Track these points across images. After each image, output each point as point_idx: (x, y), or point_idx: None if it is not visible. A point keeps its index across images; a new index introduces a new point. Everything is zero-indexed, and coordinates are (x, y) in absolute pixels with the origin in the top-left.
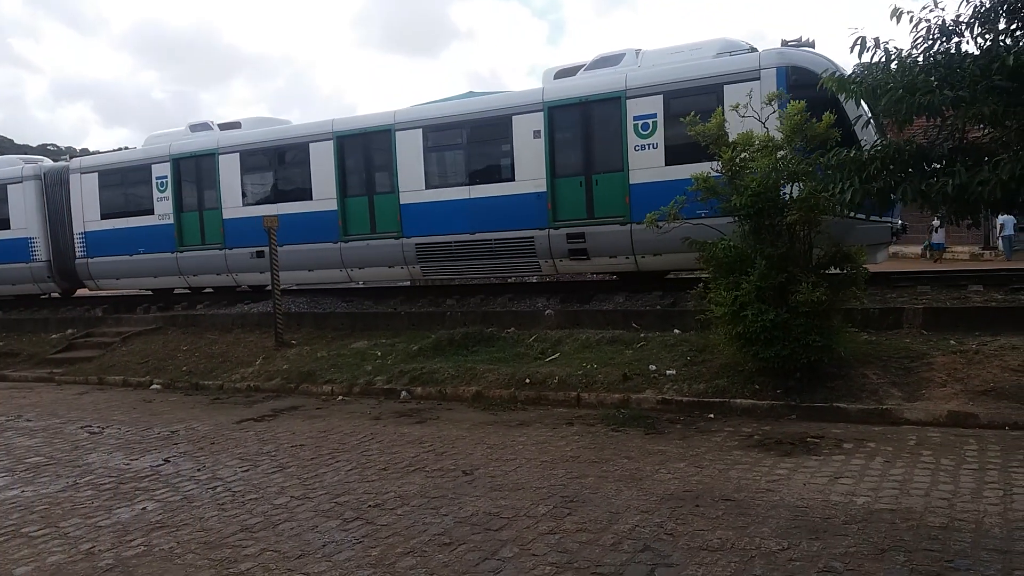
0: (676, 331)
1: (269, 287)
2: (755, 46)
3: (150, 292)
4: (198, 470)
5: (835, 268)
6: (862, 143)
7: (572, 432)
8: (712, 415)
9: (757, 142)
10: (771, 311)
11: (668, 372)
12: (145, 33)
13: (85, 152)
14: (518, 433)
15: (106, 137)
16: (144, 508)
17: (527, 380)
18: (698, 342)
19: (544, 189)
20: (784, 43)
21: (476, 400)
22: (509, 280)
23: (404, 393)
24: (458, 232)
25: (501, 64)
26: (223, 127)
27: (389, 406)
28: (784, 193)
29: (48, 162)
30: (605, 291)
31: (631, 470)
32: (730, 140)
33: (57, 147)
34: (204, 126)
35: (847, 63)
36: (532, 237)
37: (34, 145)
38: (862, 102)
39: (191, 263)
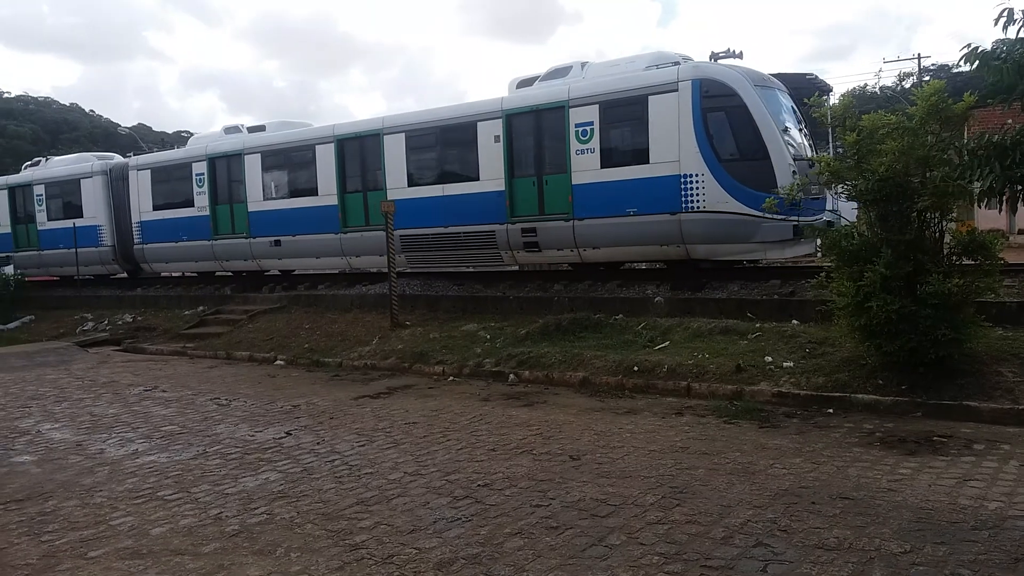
0: (794, 322)
1: (280, 272)
2: (688, 56)
3: (195, 274)
4: (318, 443)
5: (968, 259)
6: (767, 146)
7: (682, 422)
8: (831, 410)
9: (886, 126)
10: (897, 302)
11: (785, 364)
12: (266, 24)
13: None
14: (626, 421)
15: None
16: (267, 478)
17: (635, 368)
18: (817, 334)
19: (503, 188)
20: (713, 55)
21: (583, 386)
22: (628, 267)
23: (512, 376)
24: (434, 226)
25: (609, 46)
26: (250, 130)
27: (497, 388)
28: (913, 179)
29: (118, 158)
30: (719, 279)
31: (743, 464)
32: (857, 122)
33: (190, 133)
34: (235, 129)
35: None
36: (493, 231)
37: (170, 132)
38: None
39: (223, 250)
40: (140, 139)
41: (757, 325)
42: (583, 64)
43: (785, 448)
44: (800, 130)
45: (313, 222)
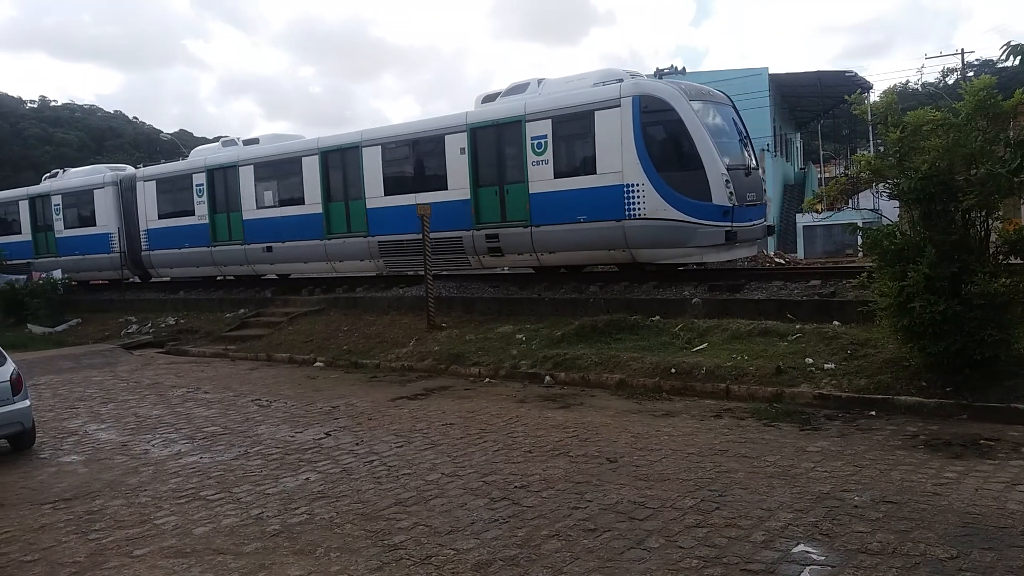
0: (835, 323)
1: (274, 276)
2: (638, 72)
3: (197, 277)
4: (357, 444)
5: (1016, 257)
6: (701, 157)
7: (721, 425)
8: (873, 412)
9: (931, 122)
10: (941, 303)
11: (826, 366)
12: (301, 30)
13: (255, 142)
14: (663, 423)
15: (270, 129)
16: (307, 478)
17: (673, 370)
18: (859, 335)
19: (468, 197)
20: (658, 71)
21: (620, 388)
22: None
23: (548, 378)
24: (409, 232)
25: (642, 46)
26: (246, 143)
27: (533, 390)
28: (958, 176)
29: (130, 169)
30: (757, 279)
31: (784, 467)
32: (900, 119)
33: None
34: (232, 142)
35: None
36: (461, 237)
37: (210, 137)
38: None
39: (221, 256)
40: (182, 145)
41: (797, 326)
42: (540, 80)
43: (827, 451)
44: (742, 140)
45: (300, 229)
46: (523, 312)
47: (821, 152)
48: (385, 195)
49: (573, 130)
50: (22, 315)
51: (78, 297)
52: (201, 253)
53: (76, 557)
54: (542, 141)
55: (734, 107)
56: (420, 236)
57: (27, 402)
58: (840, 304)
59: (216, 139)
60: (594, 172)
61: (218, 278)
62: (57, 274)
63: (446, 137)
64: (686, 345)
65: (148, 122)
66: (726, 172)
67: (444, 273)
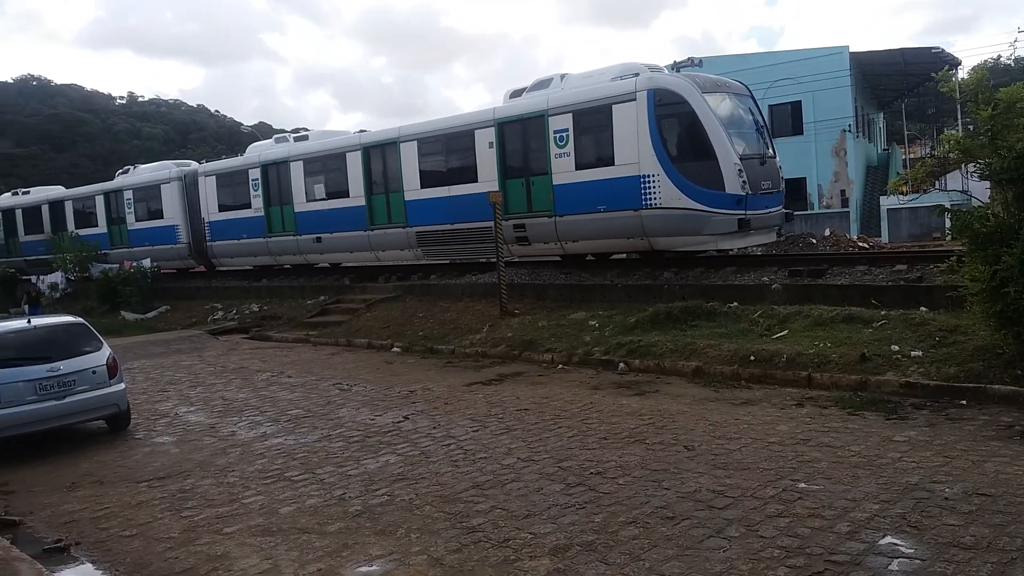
0: (922, 309)
1: (324, 264)
2: (657, 66)
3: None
4: (434, 428)
5: None
6: (714, 147)
7: (802, 414)
8: (964, 402)
9: None
10: None
11: (913, 354)
12: (373, 21)
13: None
14: (742, 412)
15: (345, 120)
16: (387, 461)
17: (752, 357)
18: (948, 322)
19: (497, 188)
20: (675, 64)
21: (696, 375)
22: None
23: (621, 365)
24: (443, 222)
25: (715, 27)
26: (296, 139)
27: (607, 377)
28: None
29: (194, 165)
30: (840, 264)
31: (869, 457)
32: (993, 96)
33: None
34: (284, 138)
35: None
36: (490, 227)
37: (288, 129)
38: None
39: (276, 246)
40: (261, 137)
41: (882, 312)
42: (563, 76)
43: (914, 441)
44: (758, 129)
45: (346, 221)
46: (595, 298)
47: (906, 132)
48: (421, 188)
49: (592, 123)
50: (116, 302)
51: (166, 285)
52: (258, 244)
53: (170, 533)
54: (564, 134)
55: (752, 97)
56: (454, 226)
57: (122, 385)
58: (927, 289)
59: (293, 131)
60: (612, 164)
61: (274, 267)
62: (147, 263)
63: (476, 132)
64: (765, 332)
65: (229, 115)
66: (739, 162)
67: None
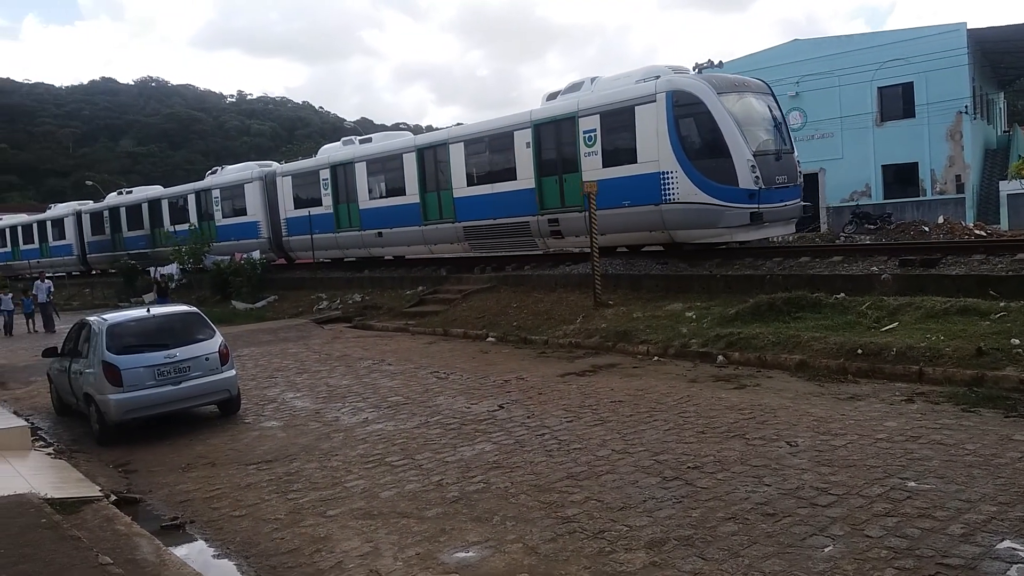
0: None
1: (388, 257)
2: (683, 68)
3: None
4: (528, 417)
5: None
6: (728, 146)
7: (912, 410)
8: None
9: None
10: None
11: None
12: (469, 15)
13: (429, 128)
14: (848, 407)
15: (441, 114)
16: (483, 448)
17: (859, 351)
18: None
19: (533, 186)
20: (696, 67)
21: (799, 369)
22: (840, 242)
23: (720, 357)
24: (487, 218)
25: (819, 8)
26: (361, 141)
27: (704, 369)
28: None
29: (275, 165)
30: (955, 253)
31: (985, 456)
32: None
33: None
34: (351, 140)
35: None
36: (528, 221)
37: (388, 124)
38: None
39: (344, 240)
40: (364, 132)
41: (1001, 304)
42: (592, 79)
43: None
44: (776, 126)
45: (403, 217)
46: (693, 289)
47: None
48: (468, 185)
49: (617, 124)
50: (227, 292)
51: (274, 275)
52: (328, 238)
53: (277, 515)
54: (592, 134)
55: (772, 94)
56: (496, 221)
57: (233, 371)
58: None
59: (394, 126)
60: (635, 161)
61: (344, 259)
62: (256, 255)
63: (515, 133)
64: (874, 324)
65: (332, 111)
66: (752, 158)
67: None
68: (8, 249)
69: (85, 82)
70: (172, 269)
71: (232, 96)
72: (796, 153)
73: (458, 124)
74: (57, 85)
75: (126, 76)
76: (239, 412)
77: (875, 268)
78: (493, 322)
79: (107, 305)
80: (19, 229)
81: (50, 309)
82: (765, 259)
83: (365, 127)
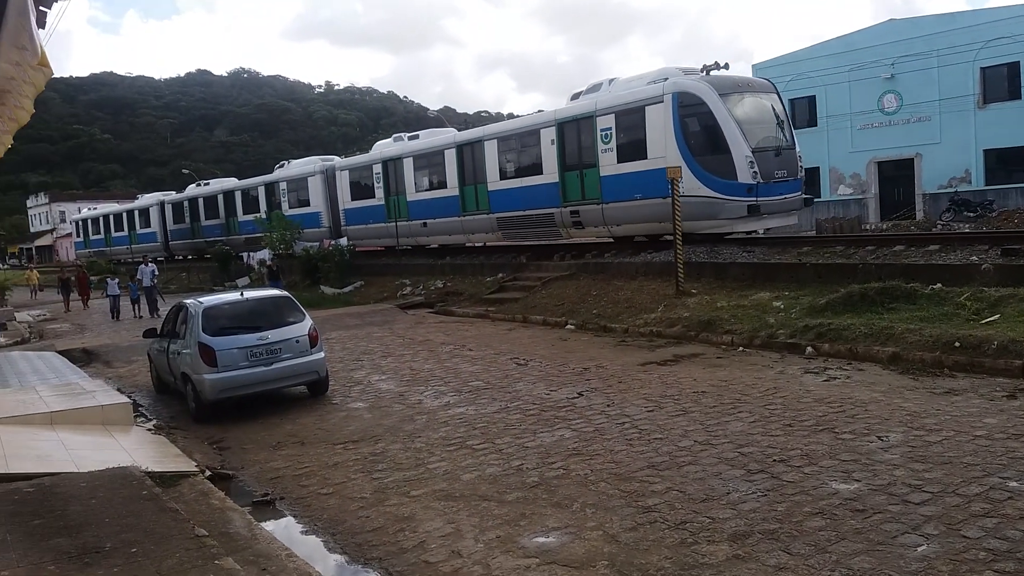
0: None
1: (431, 246)
2: (693, 69)
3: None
4: (608, 406)
5: None
6: (728, 143)
7: (1015, 406)
8: None
9: None
10: None
11: None
12: (548, 1)
13: (510, 116)
14: (944, 402)
15: (522, 101)
16: (562, 435)
17: (956, 343)
18: None
19: (557, 180)
20: (704, 68)
21: (892, 362)
22: (938, 233)
23: (809, 349)
24: (517, 209)
25: None
26: (410, 138)
27: (792, 361)
28: None
29: (337, 160)
30: None
31: None
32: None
33: (488, 113)
34: (400, 138)
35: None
36: (553, 213)
37: (470, 113)
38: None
39: (394, 230)
40: (447, 121)
41: None
42: (611, 80)
43: None
44: (778, 123)
45: (445, 208)
46: (781, 278)
47: None
48: (500, 179)
49: (630, 122)
50: (316, 277)
51: (361, 261)
52: (380, 228)
53: (363, 493)
54: (608, 132)
55: (777, 93)
56: (524, 212)
57: (322, 354)
58: None
59: (475, 115)
60: (646, 157)
61: (397, 248)
62: (343, 241)
63: (541, 131)
64: (973, 316)
65: (416, 101)
66: (751, 154)
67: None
68: (101, 236)
69: (182, 74)
70: (265, 255)
71: (320, 86)
72: (798, 149)
73: (532, 111)
74: (156, 77)
75: (220, 68)
76: (327, 393)
77: (975, 257)
78: (572, 309)
79: (202, 289)
80: (111, 218)
81: (154, 292)
82: (857, 247)
83: (448, 116)
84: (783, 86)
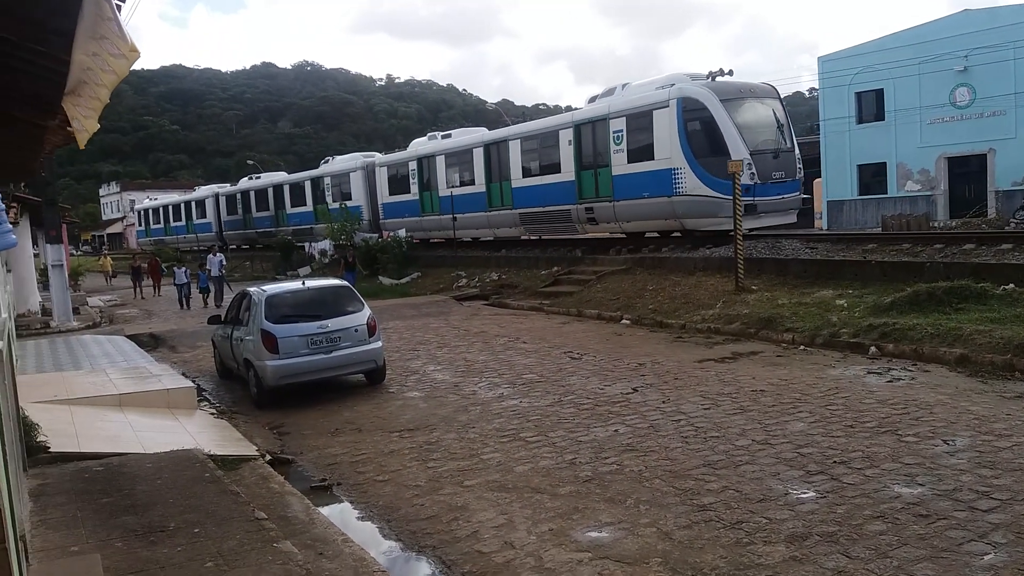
0: None
1: (466, 239)
2: (699, 75)
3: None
4: (663, 402)
5: None
6: (727, 146)
7: None
8: None
9: None
10: None
11: None
12: None
13: (568, 109)
14: (1015, 406)
15: (580, 93)
16: (616, 430)
17: None
18: None
19: (573, 178)
20: (710, 74)
21: (960, 364)
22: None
23: (872, 349)
24: (537, 205)
25: None
26: (443, 137)
27: (855, 360)
28: None
29: (378, 156)
30: None
31: None
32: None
33: (547, 106)
34: (434, 136)
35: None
36: (569, 209)
37: (528, 105)
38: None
39: (428, 224)
40: (505, 114)
41: None
42: (624, 85)
43: None
44: (779, 127)
45: (473, 203)
46: (845, 276)
47: None
48: (523, 177)
49: (638, 126)
50: (374, 268)
51: (418, 253)
52: (415, 221)
53: (417, 481)
54: (620, 134)
55: (777, 98)
56: (543, 209)
57: (379, 343)
58: None
59: (533, 107)
60: (653, 158)
61: (429, 240)
62: (402, 233)
63: (559, 132)
64: None
65: (475, 94)
66: (749, 157)
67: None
68: (161, 226)
69: (247, 67)
70: (325, 245)
71: (381, 80)
72: (797, 151)
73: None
74: (223, 70)
75: (284, 61)
76: (384, 382)
77: None
78: (628, 304)
79: (265, 277)
80: (170, 208)
81: (223, 282)
82: (925, 245)
83: (506, 109)
84: (849, 79)
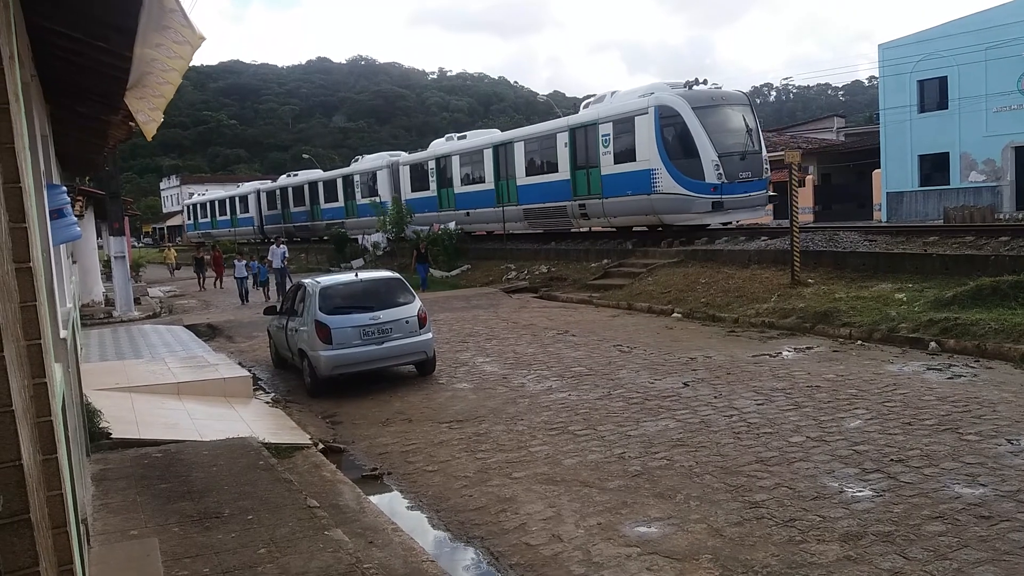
0: None
1: (481, 232)
2: (679, 84)
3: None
4: (715, 397)
5: None
6: (698, 149)
7: None
8: None
9: None
10: None
11: None
12: None
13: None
14: None
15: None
16: (666, 425)
17: None
18: None
19: (568, 177)
20: (687, 83)
21: None
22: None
23: (933, 344)
24: (538, 202)
25: None
26: (459, 138)
27: (914, 356)
28: None
29: (401, 156)
30: None
31: None
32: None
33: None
34: (451, 137)
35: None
36: (565, 206)
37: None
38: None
39: (444, 219)
40: (556, 105)
41: None
42: (612, 92)
43: None
44: (748, 131)
45: (484, 200)
46: (905, 269)
47: None
48: (526, 176)
49: (623, 130)
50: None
51: (468, 245)
52: (433, 216)
53: (466, 472)
54: (607, 138)
55: (749, 104)
56: (544, 205)
57: (430, 335)
58: None
59: (584, 98)
60: (634, 160)
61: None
62: (451, 225)
63: (557, 135)
64: None
65: (526, 86)
66: (717, 159)
67: (556, 230)
68: (208, 220)
69: (303, 62)
70: (379, 238)
71: (433, 73)
72: (765, 153)
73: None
74: (279, 65)
75: (339, 56)
76: (434, 373)
77: None
78: (679, 297)
79: (319, 269)
80: (215, 203)
81: (285, 274)
82: (989, 238)
83: (557, 101)
84: (911, 66)
